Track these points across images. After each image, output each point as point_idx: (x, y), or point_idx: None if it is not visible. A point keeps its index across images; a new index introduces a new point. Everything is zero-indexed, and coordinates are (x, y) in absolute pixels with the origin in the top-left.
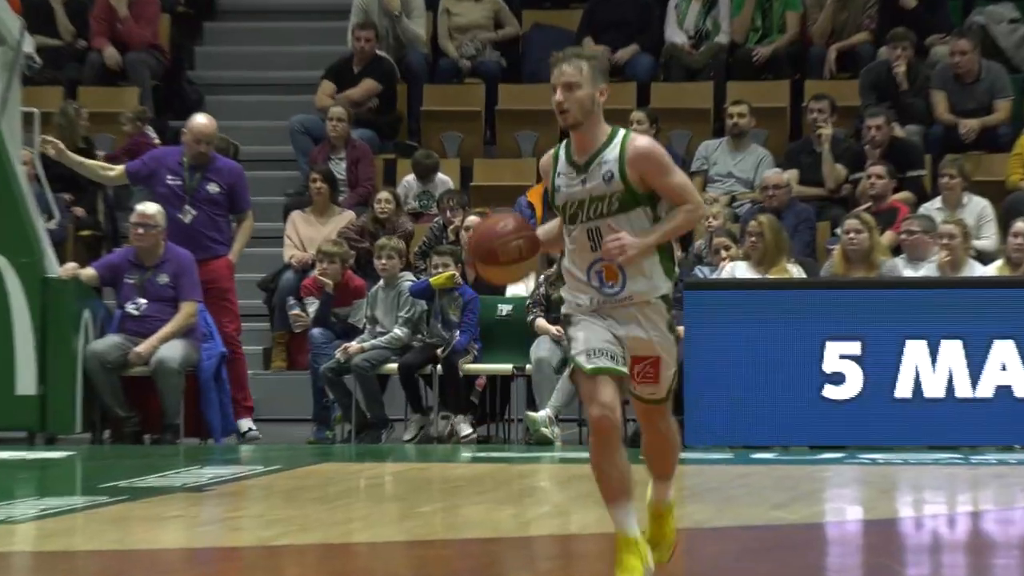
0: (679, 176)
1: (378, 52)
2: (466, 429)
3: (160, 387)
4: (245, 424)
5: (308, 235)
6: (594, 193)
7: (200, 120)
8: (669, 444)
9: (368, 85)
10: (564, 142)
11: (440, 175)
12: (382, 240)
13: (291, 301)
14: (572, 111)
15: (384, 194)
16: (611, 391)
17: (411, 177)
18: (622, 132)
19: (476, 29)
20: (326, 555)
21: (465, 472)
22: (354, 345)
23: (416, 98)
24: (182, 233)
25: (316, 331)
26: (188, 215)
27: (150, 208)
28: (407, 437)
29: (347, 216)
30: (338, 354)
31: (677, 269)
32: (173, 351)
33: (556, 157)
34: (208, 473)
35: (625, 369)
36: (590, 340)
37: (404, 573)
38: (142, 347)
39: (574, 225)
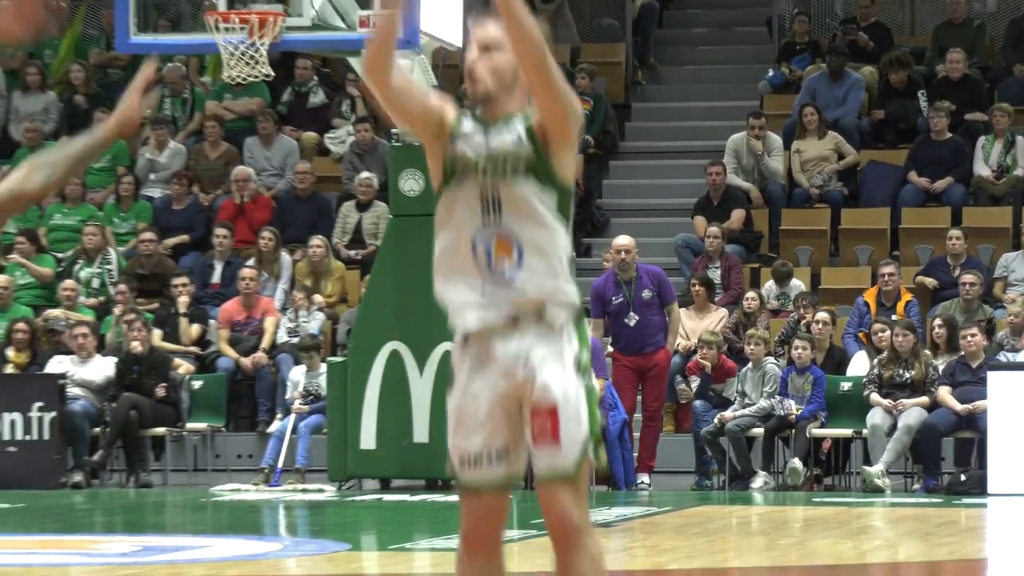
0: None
1: (728, 183)
2: (798, 466)
3: None
4: (642, 477)
5: (691, 327)
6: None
7: (619, 238)
8: None
9: (739, 214)
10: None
11: (794, 280)
12: (751, 331)
13: (678, 379)
14: (484, 80)
15: (751, 294)
16: (489, 524)
17: (771, 282)
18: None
19: (822, 161)
20: None
21: (814, 514)
22: (728, 414)
23: (776, 219)
24: (630, 335)
25: (698, 403)
26: (632, 320)
27: None
28: (766, 485)
29: (721, 312)
30: (716, 421)
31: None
32: None
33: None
34: (614, 513)
35: (506, 480)
36: (460, 439)
37: None
38: None
39: (462, 187)
